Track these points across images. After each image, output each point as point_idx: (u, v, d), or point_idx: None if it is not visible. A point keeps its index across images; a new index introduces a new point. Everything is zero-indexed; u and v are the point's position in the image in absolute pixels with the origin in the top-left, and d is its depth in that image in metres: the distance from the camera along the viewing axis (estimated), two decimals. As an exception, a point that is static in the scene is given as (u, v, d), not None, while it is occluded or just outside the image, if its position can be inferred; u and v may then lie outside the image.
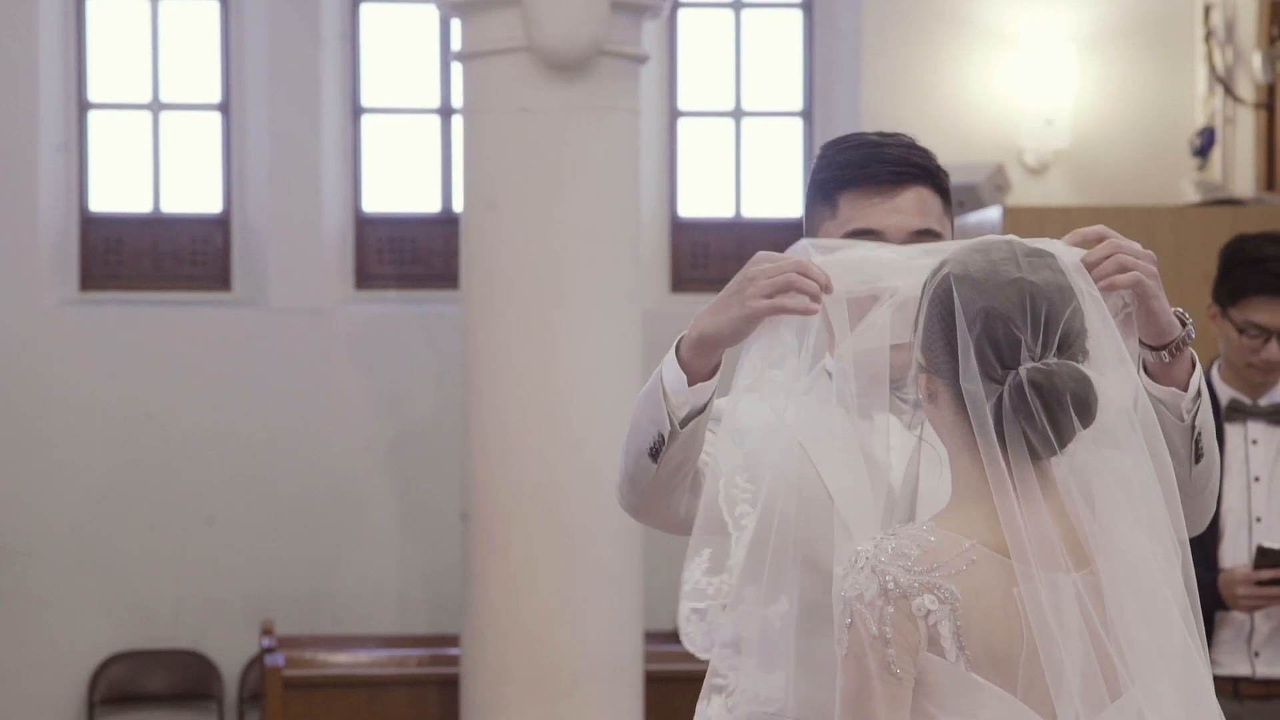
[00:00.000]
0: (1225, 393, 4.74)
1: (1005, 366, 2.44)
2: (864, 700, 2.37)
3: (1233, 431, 4.71)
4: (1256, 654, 4.68)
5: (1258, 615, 4.68)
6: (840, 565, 2.43)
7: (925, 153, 2.91)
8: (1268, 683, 4.67)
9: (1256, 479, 4.64)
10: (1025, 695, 2.38)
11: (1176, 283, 7.55)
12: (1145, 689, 2.40)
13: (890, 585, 2.37)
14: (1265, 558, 4.58)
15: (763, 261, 2.64)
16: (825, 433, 2.86)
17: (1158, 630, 2.42)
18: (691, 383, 2.72)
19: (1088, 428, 2.44)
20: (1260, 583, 4.53)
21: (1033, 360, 2.43)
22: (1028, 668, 2.38)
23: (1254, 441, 4.71)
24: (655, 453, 2.74)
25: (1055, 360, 2.44)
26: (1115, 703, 2.40)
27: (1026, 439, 2.42)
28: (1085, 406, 2.44)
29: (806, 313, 2.60)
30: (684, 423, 2.72)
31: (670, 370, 2.75)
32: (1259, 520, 4.63)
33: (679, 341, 2.77)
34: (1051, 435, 2.42)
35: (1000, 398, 2.42)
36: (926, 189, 2.88)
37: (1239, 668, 4.64)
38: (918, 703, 2.38)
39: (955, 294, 2.48)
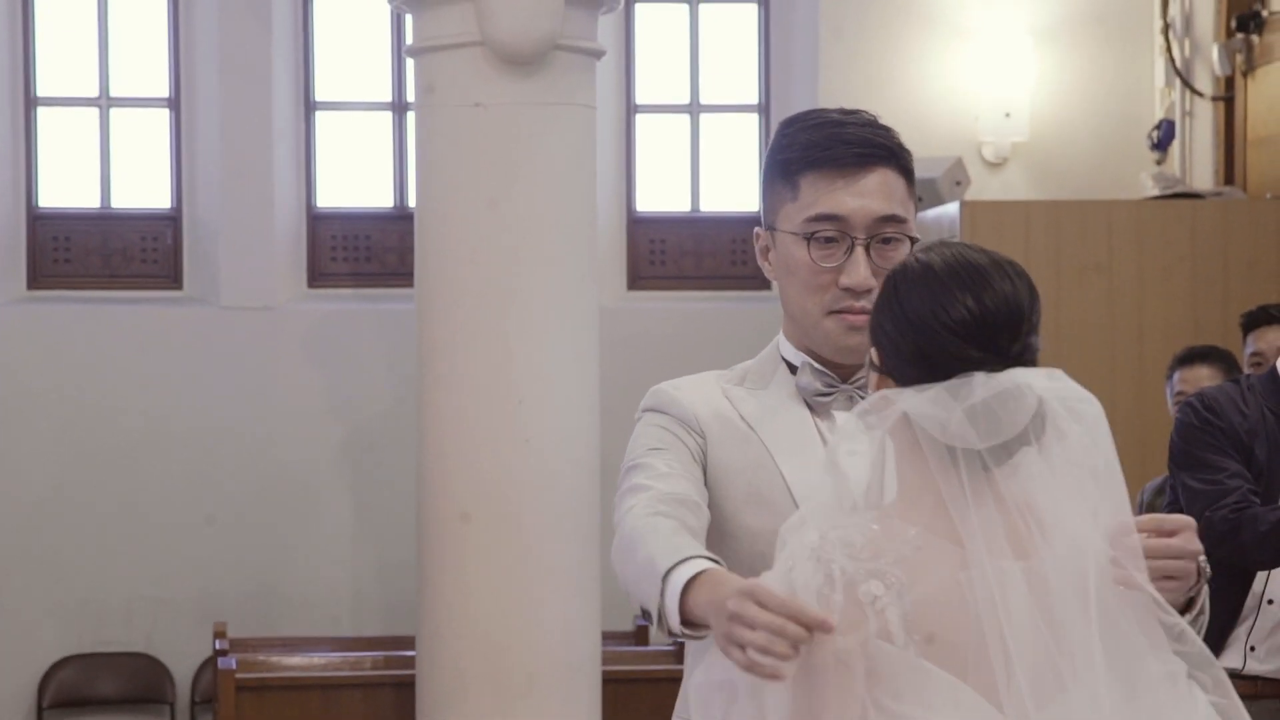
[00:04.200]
0: None
1: (956, 375, 2.39)
2: (815, 691, 2.33)
3: None
4: (1252, 648, 4.65)
5: (1268, 609, 4.64)
6: (786, 559, 2.38)
7: (888, 131, 2.83)
8: (1255, 680, 4.64)
9: None
10: (975, 682, 2.35)
11: (1136, 277, 7.55)
12: (1092, 684, 2.37)
13: (836, 573, 2.34)
14: None
15: (750, 602, 2.31)
16: (786, 429, 2.81)
17: (1102, 626, 2.38)
18: (684, 624, 2.52)
19: (1040, 439, 2.40)
20: None
21: (985, 371, 2.39)
22: (977, 654, 2.35)
23: None
24: (650, 618, 2.60)
25: (1010, 373, 2.39)
26: (1063, 695, 2.37)
27: (979, 452, 2.38)
28: (1038, 420, 2.40)
29: (775, 678, 2.30)
30: (676, 637, 2.58)
31: (671, 598, 2.52)
32: None
33: (689, 581, 2.49)
34: (1003, 449, 2.39)
35: (952, 410, 2.38)
36: (891, 170, 2.80)
37: (1231, 661, 4.61)
38: (869, 692, 2.34)
39: (912, 300, 2.43)
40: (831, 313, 2.78)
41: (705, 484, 2.80)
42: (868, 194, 2.77)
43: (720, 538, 2.80)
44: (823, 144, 2.78)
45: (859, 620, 2.33)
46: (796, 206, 2.80)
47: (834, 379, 2.83)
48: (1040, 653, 2.36)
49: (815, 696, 2.33)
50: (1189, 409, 4.71)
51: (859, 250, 2.76)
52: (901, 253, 2.77)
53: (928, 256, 2.47)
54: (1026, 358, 2.41)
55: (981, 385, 2.38)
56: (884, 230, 2.77)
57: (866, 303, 2.73)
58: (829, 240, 2.77)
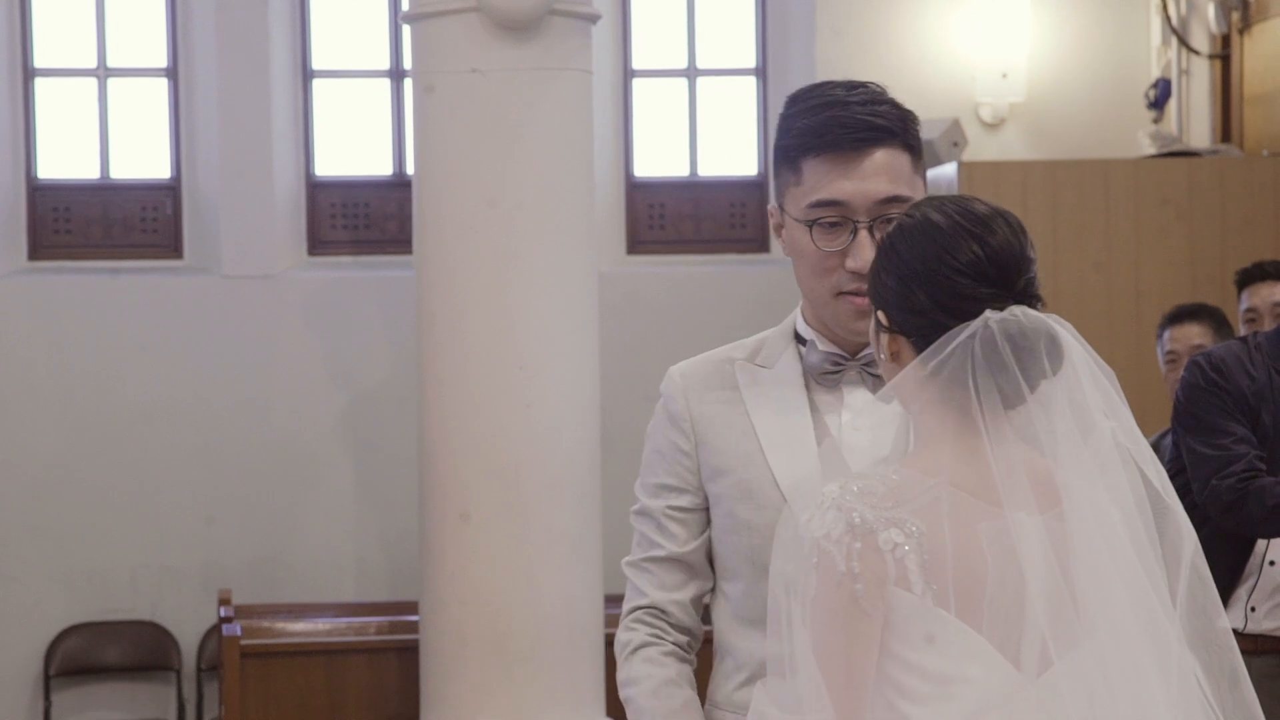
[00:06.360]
0: None
1: (971, 316, 2.43)
2: (834, 639, 2.36)
3: None
4: (1253, 609, 4.64)
5: (1270, 570, 4.63)
6: (805, 510, 2.41)
7: (891, 106, 2.81)
8: (1255, 638, 4.63)
9: None
10: (990, 633, 2.37)
11: (1134, 235, 7.57)
12: (1108, 637, 2.39)
13: (857, 521, 2.36)
14: None
15: None
16: (781, 419, 2.83)
17: (1121, 579, 2.40)
18: None
19: (1057, 373, 2.43)
20: None
21: (998, 309, 2.43)
22: (993, 606, 2.37)
23: None
24: None
25: (1021, 308, 2.44)
26: (1080, 648, 2.39)
27: (999, 387, 2.41)
28: (1055, 351, 2.43)
29: None
30: None
31: None
32: None
33: None
34: (1023, 382, 2.41)
35: (971, 348, 2.41)
36: (893, 149, 2.79)
37: (1233, 621, 4.58)
38: (884, 641, 2.37)
39: (915, 252, 2.46)
40: (840, 294, 2.79)
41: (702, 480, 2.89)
42: (869, 176, 2.77)
43: (721, 533, 2.87)
44: (819, 129, 2.78)
45: (879, 568, 2.35)
46: (800, 191, 2.81)
47: (842, 356, 2.84)
48: (1057, 606, 2.38)
49: (835, 644, 2.36)
50: (1196, 368, 4.66)
51: (863, 233, 2.76)
52: None
53: (923, 212, 2.50)
54: (1031, 291, 2.47)
55: (995, 321, 2.42)
56: (887, 211, 2.76)
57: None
58: (833, 225, 2.78)
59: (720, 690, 2.88)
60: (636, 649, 2.90)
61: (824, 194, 2.77)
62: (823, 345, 2.84)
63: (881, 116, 2.78)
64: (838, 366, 2.83)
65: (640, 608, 2.92)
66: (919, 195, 2.79)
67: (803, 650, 2.38)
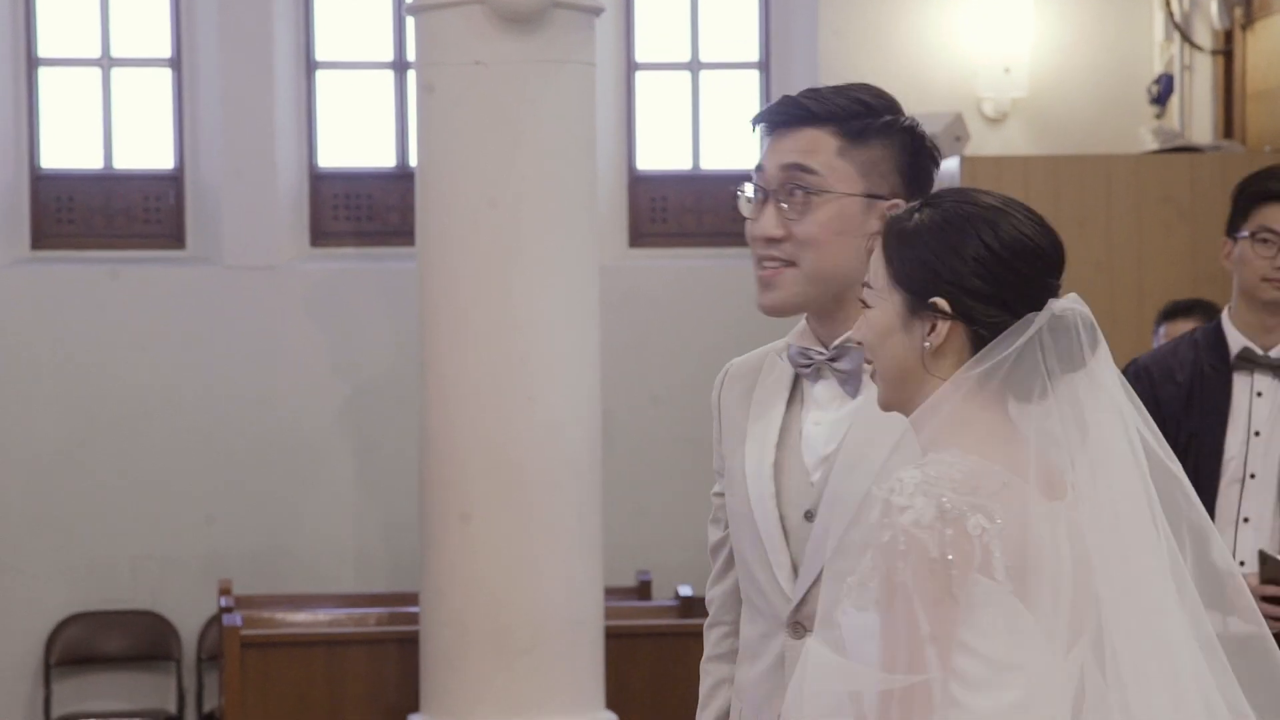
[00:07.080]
0: (1237, 340, 4.50)
1: (1036, 306, 2.43)
2: (923, 626, 2.32)
3: (1239, 381, 4.52)
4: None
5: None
6: (881, 494, 2.36)
7: (851, 100, 2.82)
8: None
9: (1256, 434, 4.48)
10: (1041, 618, 2.36)
11: (1136, 231, 7.57)
12: (1129, 624, 2.40)
13: (948, 507, 2.32)
14: (1267, 566, 4.33)
15: None
16: (766, 407, 2.87)
17: (1140, 568, 2.41)
18: None
19: (1095, 352, 2.46)
20: (1266, 599, 4.34)
21: (1053, 295, 2.45)
22: (1050, 591, 2.36)
23: (1259, 394, 4.54)
24: None
25: (1072, 295, 2.46)
26: (1094, 635, 2.40)
27: (1056, 373, 2.42)
28: (1094, 333, 2.47)
29: None
30: None
31: None
32: (1253, 476, 4.48)
33: None
34: (1085, 359, 2.43)
35: (1040, 339, 2.42)
36: (819, 130, 2.81)
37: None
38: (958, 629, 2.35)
39: (997, 235, 2.46)
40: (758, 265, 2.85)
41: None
42: (781, 150, 2.82)
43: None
44: (764, 111, 2.87)
45: (970, 554, 2.32)
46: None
47: (810, 351, 2.83)
48: (1085, 593, 2.39)
49: (922, 631, 2.32)
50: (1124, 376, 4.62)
51: (768, 202, 2.81)
52: (825, 210, 2.79)
53: (975, 198, 2.49)
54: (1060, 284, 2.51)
55: (1061, 308, 2.44)
56: (791, 179, 2.80)
57: (777, 252, 2.80)
58: (760, 193, 2.84)
59: None
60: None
61: (760, 160, 2.85)
62: (798, 339, 2.86)
63: (817, 100, 2.83)
64: (807, 363, 2.84)
65: (707, 625, 3.05)
66: (841, 182, 2.79)
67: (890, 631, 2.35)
